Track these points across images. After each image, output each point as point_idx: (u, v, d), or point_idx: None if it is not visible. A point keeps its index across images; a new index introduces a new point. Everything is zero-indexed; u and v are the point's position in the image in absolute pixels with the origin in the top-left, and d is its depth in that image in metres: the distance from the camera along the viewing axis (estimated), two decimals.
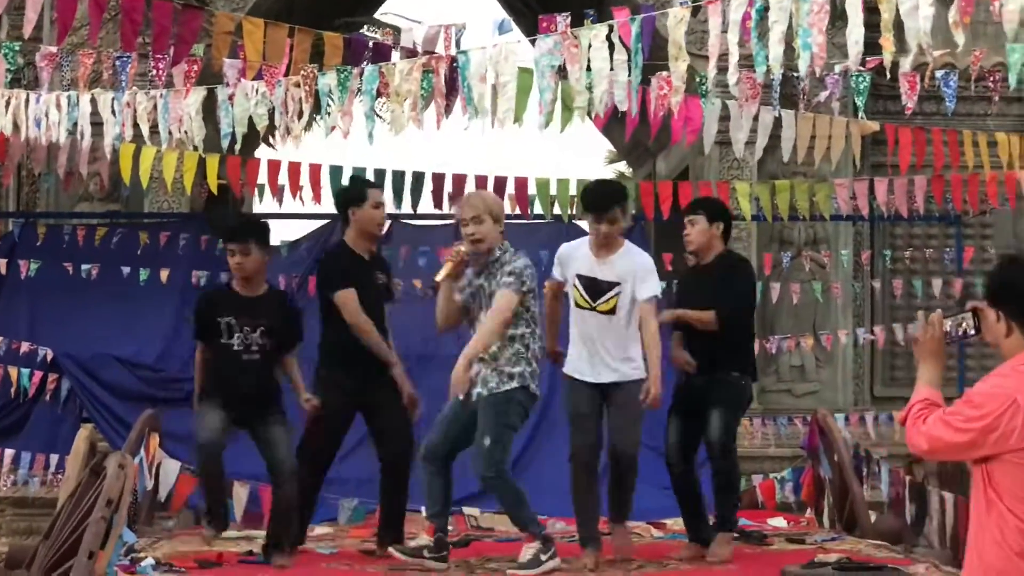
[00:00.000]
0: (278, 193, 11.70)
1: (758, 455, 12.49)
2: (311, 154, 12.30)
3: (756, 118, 10.13)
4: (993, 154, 11.75)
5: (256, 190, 11.91)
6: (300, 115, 8.28)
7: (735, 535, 9.38)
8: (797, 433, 12.31)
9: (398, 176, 11.89)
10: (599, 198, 8.54)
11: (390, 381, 8.98)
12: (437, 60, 7.99)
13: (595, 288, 8.62)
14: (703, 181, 12.98)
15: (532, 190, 12.03)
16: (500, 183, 12.05)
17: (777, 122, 10.55)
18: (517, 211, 12.10)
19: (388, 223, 12.27)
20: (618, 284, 8.60)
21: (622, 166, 28.06)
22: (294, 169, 11.57)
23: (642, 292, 8.58)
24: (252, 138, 9.98)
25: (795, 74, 8.02)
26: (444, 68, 7.90)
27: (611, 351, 8.65)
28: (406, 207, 12.07)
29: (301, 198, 11.70)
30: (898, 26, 6.64)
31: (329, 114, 8.26)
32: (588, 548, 8.65)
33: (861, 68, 8.22)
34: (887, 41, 6.25)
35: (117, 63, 9.27)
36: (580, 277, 8.64)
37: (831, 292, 12.97)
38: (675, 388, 9.10)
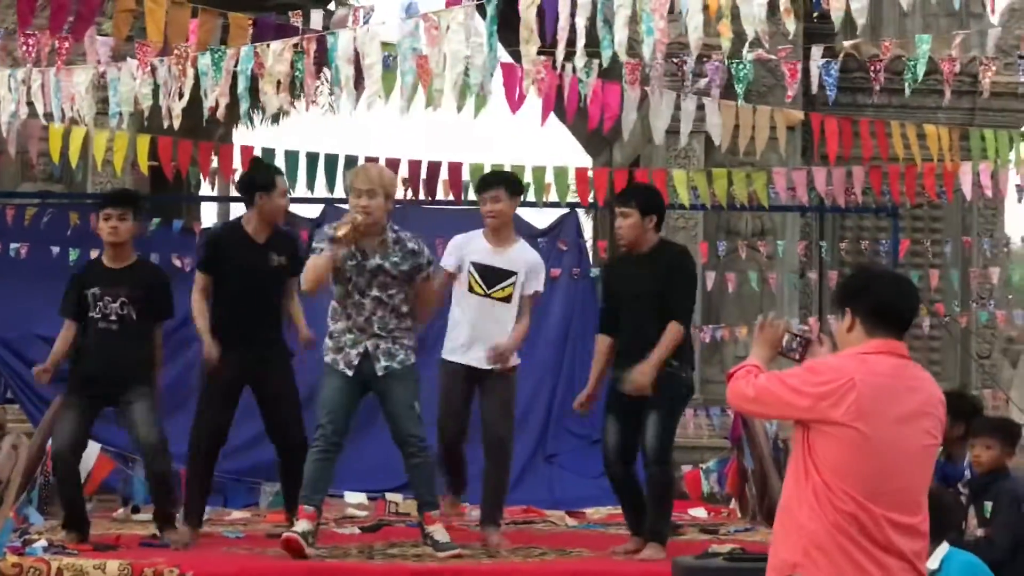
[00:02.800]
0: (209, 176, 11.63)
1: (693, 445, 12.44)
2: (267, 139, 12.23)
3: (678, 106, 10.04)
4: (925, 146, 11.62)
5: (189, 174, 11.83)
6: (181, 95, 8.24)
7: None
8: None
9: (331, 160, 11.81)
10: (487, 179, 8.85)
11: (277, 356, 9.03)
12: (308, 41, 7.94)
13: (491, 276, 8.77)
14: (657, 170, 12.88)
15: (466, 176, 11.95)
16: (433, 169, 11.99)
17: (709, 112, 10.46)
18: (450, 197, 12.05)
19: (322, 207, 12.32)
20: (514, 274, 8.79)
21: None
22: (225, 153, 11.52)
23: (530, 287, 8.86)
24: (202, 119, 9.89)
25: (674, 60, 7.94)
26: (315, 49, 7.86)
27: (494, 338, 8.73)
28: (338, 192, 11.97)
29: (234, 182, 11.62)
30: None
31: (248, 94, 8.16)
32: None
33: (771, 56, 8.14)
34: (724, 27, 6.18)
35: None
36: (475, 265, 8.78)
37: (768, 283, 12.88)
38: (611, 382, 8.84)
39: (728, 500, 11.46)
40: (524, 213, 12.42)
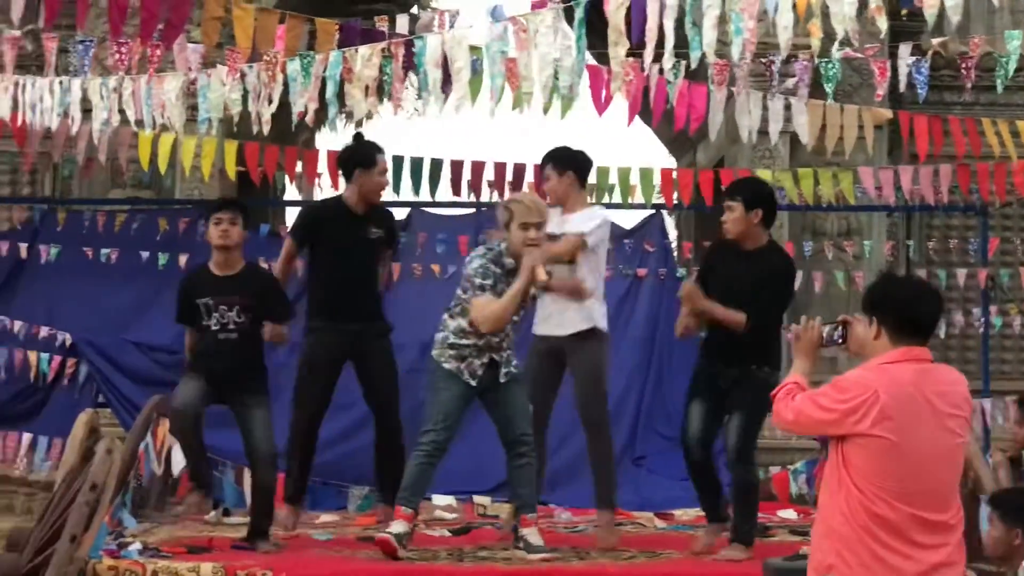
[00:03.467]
0: (296, 180, 11.71)
1: (782, 447, 12.34)
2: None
3: (765, 107, 9.99)
4: (1019, 144, 11.49)
5: (275, 179, 11.92)
6: (269, 101, 8.29)
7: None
8: None
9: (416, 163, 11.85)
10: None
11: (379, 327, 9.12)
12: (396, 46, 7.96)
13: None
14: (742, 170, 12.82)
15: None
16: (519, 170, 11.98)
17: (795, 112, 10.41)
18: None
19: (407, 211, 12.39)
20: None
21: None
22: (311, 157, 11.59)
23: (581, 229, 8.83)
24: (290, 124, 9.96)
25: (762, 60, 7.90)
26: (402, 53, 7.89)
27: (570, 305, 8.85)
28: (424, 195, 12.03)
29: (319, 185, 11.71)
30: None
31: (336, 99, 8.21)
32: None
33: (859, 55, 8.10)
34: (815, 27, 6.14)
35: (80, 47, 9.32)
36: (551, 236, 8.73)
37: (857, 280, 12.77)
38: (696, 371, 8.85)
39: (817, 501, 11.35)
40: (610, 214, 12.47)
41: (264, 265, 11.71)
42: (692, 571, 8.36)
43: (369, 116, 13.10)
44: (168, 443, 10.74)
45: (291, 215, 14.52)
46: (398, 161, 11.76)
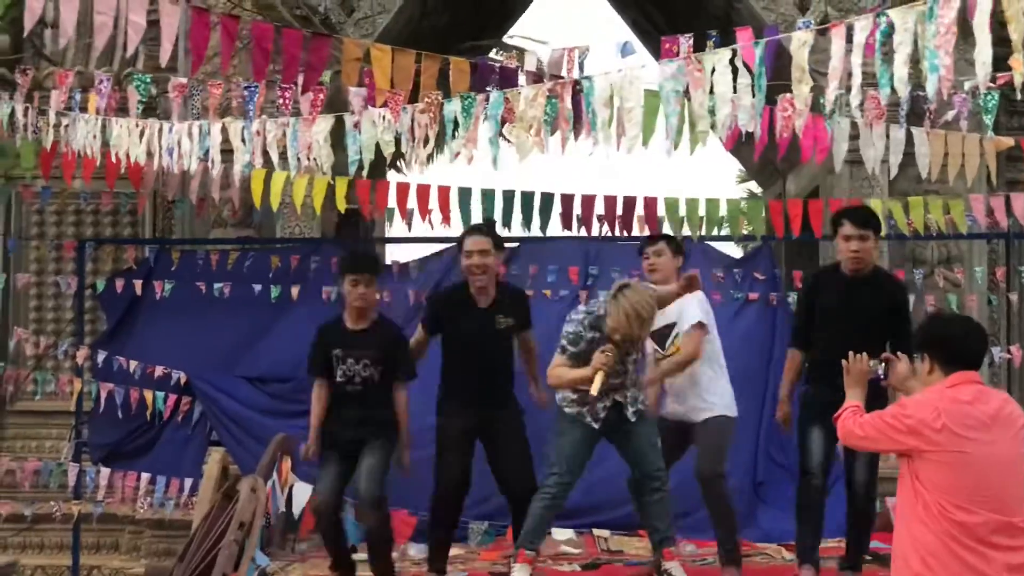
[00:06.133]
0: (407, 216, 11.72)
1: (894, 476, 12.25)
2: (444, 176, 12.33)
3: (887, 135, 9.98)
4: None
5: (386, 213, 11.95)
6: (425, 142, 8.34)
7: (867, 559, 9.28)
8: None
9: (527, 198, 11.86)
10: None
11: (509, 413, 9.06)
12: (562, 86, 7.98)
13: (659, 338, 9.09)
14: (833, 199, 12.80)
15: (661, 211, 11.93)
16: (629, 203, 11.99)
17: (909, 140, 10.41)
18: (646, 231, 11.99)
19: (516, 244, 12.40)
20: (673, 324, 9.02)
21: (752, 185, 27.88)
22: (423, 192, 11.62)
23: (686, 322, 9.03)
24: (381, 163, 10.05)
25: (921, 93, 7.88)
26: (569, 94, 7.91)
27: (686, 391, 9.15)
28: (535, 229, 12.02)
29: (430, 221, 11.73)
30: None
31: (454, 139, 8.28)
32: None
33: (991, 85, 8.13)
34: (1017, 61, 6.13)
35: (246, 92, 9.41)
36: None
37: (966, 307, 12.72)
38: (805, 398, 8.92)
39: None
40: (717, 245, 12.51)
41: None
42: None
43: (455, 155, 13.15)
44: (291, 480, 10.81)
45: (398, 251, 14.58)
46: (508, 196, 11.78)
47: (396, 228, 12.73)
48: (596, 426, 8.41)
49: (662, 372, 9.01)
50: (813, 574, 8.74)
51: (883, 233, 12.01)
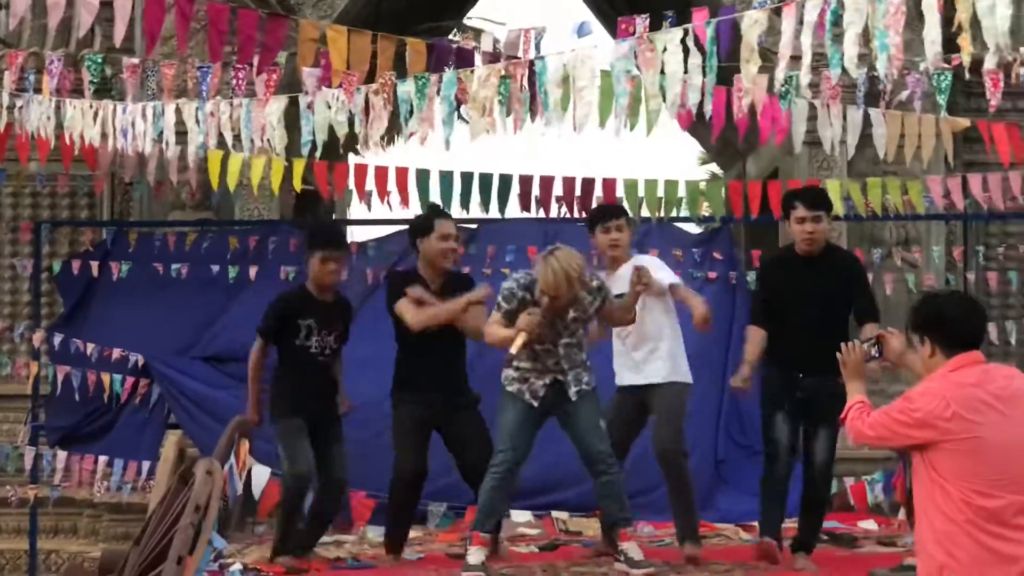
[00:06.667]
0: (365, 198, 11.70)
1: (852, 457, 12.32)
2: (403, 158, 12.31)
3: (845, 117, 9.99)
4: None
5: (344, 195, 11.93)
6: (378, 122, 8.31)
7: (824, 538, 9.33)
8: None
9: (485, 179, 11.86)
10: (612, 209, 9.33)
11: (465, 399, 9.09)
12: (515, 66, 7.97)
13: None
14: (792, 180, 12.83)
15: (620, 192, 11.94)
16: (588, 185, 11.99)
17: (867, 121, 10.44)
18: None
19: (475, 225, 12.39)
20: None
21: (716, 167, 27.93)
22: (381, 174, 11.60)
23: (664, 281, 8.97)
24: (341, 145, 10.03)
25: (874, 74, 7.91)
26: (522, 74, 7.90)
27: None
28: (493, 211, 12.01)
29: (388, 203, 11.72)
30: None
31: (407, 121, 8.29)
32: None
33: (945, 66, 8.16)
34: (964, 41, 6.14)
35: (199, 72, 9.36)
36: None
37: (924, 287, 12.77)
38: (773, 381, 8.89)
39: (896, 511, 11.35)
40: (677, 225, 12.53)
41: None
42: None
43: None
44: (249, 463, 10.76)
45: (358, 233, 14.53)
46: (467, 177, 11.77)
47: (355, 210, 12.74)
48: (535, 404, 8.39)
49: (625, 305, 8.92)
50: (775, 547, 8.75)
51: (842, 214, 12.17)
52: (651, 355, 9.01)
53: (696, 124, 11.76)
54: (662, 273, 8.99)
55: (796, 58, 7.20)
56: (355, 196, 11.98)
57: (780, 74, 7.14)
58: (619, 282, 8.86)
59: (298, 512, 9.07)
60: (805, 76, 6.85)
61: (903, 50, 6.32)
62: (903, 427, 5.51)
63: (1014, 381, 5.61)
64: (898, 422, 5.53)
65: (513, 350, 8.15)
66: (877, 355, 6.16)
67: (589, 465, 8.49)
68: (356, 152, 16.94)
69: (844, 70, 6.88)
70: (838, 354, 6.19)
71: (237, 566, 8.53)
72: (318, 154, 8.86)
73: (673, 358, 9.03)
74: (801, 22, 6.87)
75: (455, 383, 9.02)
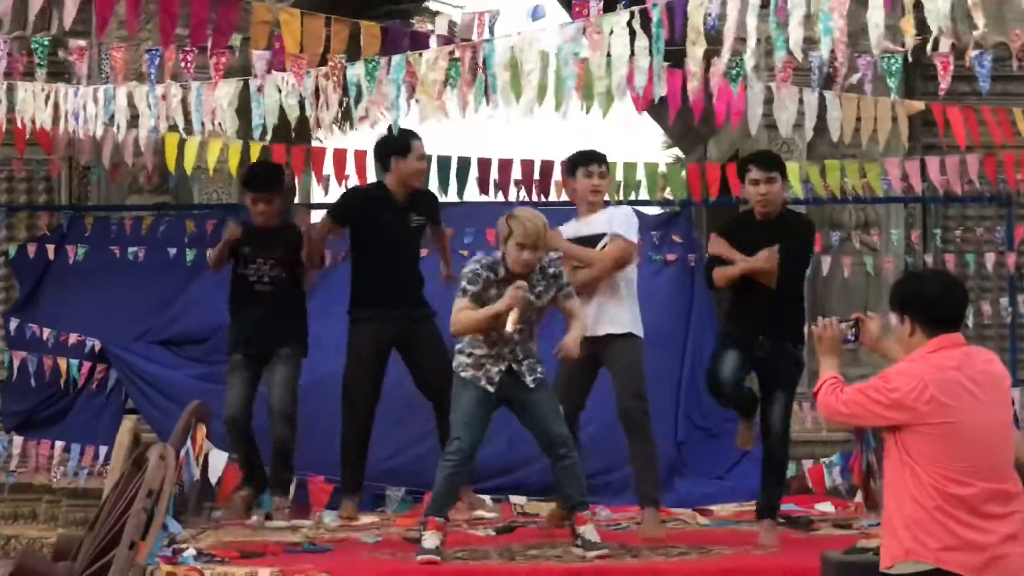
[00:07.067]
0: (323, 181, 11.67)
1: (810, 439, 12.35)
2: (366, 142, 12.29)
3: (801, 100, 9.99)
4: None
5: (303, 178, 11.91)
6: (329, 106, 8.30)
7: (780, 521, 9.36)
8: None
9: (443, 162, 11.83)
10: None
11: (422, 312, 9.36)
12: (463, 49, 7.96)
13: (584, 245, 9.07)
14: None
15: None
16: (547, 168, 11.98)
17: (824, 105, 10.45)
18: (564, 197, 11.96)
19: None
20: (603, 235, 9.05)
21: (678, 151, 27.91)
22: (339, 157, 11.57)
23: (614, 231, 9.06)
24: (299, 129, 10.01)
25: (821, 56, 7.96)
26: (470, 57, 7.89)
27: (608, 304, 9.13)
28: (451, 194, 11.99)
29: (347, 186, 11.68)
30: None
31: (357, 105, 8.27)
32: None
33: (896, 48, 8.18)
34: (908, 24, 6.16)
35: (146, 56, 9.32)
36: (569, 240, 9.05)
37: (883, 270, 12.80)
38: (725, 334, 9.14)
39: (853, 494, 11.37)
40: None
41: None
42: (750, 566, 8.36)
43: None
44: (205, 449, 10.72)
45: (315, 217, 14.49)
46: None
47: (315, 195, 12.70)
48: (491, 389, 8.38)
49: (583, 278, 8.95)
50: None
51: (801, 197, 12.20)
52: (602, 309, 9.04)
53: (656, 108, 11.75)
54: (624, 228, 9.06)
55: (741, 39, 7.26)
56: (313, 180, 11.96)
57: (725, 55, 7.15)
58: (589, 225, 9.04)
59: (245, 449, 9.43)
60: (750, 59, 6.85)
61: (858, 35, 6.31)
62: (879, 407, 5.43)
63: (992, 366, 5.59)
64: (873, 400, 5.45)
65: (509, 327, 8.11)
66: (853, 339, 6.04)
67: (548, 449, 8.49)
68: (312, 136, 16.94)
69: (790, 53, 6.89)
70: (813, 327, 6.12)
71: (191, 551, 8.48)
72: (268, 138, 8.86)
73: (625, 313, 9.09)
74: (746, 3, 6.87)
75: (412, 296, 9.14)
